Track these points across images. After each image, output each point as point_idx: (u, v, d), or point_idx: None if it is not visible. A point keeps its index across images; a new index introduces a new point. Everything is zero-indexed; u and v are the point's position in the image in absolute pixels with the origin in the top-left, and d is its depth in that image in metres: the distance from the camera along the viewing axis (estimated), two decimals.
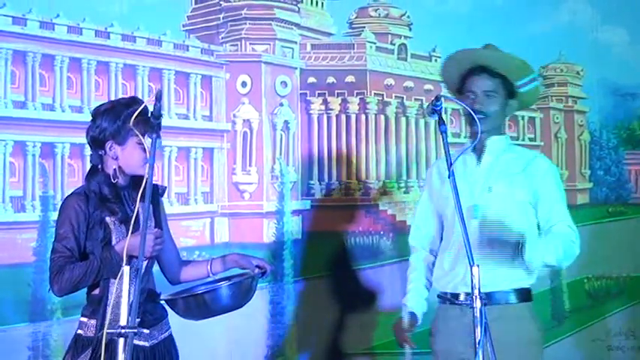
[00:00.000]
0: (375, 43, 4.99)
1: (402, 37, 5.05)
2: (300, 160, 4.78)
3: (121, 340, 2.31)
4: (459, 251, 2.99)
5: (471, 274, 2.49)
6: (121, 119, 2.80)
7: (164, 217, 3.01)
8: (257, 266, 2.97)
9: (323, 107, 4.88)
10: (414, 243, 3.25)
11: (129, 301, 2.34)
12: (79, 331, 2.81)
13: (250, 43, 4.79)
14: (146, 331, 2.60)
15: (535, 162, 3.08)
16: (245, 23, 4.79)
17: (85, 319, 2.81)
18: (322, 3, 4.96)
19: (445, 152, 2.66)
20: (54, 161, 4.32)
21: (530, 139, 5.20)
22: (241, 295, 2.90)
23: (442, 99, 2.74)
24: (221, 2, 4.76)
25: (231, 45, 4.77)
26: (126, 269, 2.38)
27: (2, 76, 4.22)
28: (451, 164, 2.64)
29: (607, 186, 5.10)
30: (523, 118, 5.19)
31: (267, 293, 4.54)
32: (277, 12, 4.84)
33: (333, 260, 4.71)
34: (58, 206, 2.88)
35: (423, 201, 3.25)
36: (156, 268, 2.98)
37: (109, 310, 2.69)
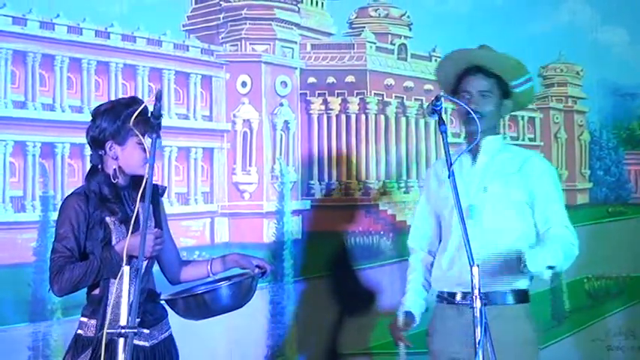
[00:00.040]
0: (375, 43, 4.99)
1: (402, 37, 5.05)
2: (300, 160, 4.78)
3: (121, 340, 2.31)
4: (456, 252, 3.01)
5: (471, 274, 2.49)
6: (120, 119, 2.80)
7: (164, 217, 3.01)
8: (257, 266, 2.98)
9: (323, 107, 4.88)
10: (413, 244, 3.26)
11: (129, 301, 2.34)
12: (79, 331, 2.81)
13: (250, 43, 4.79)
14: (146, 331, 2.61)
15: (531, 161, 3.08)
16: (245, 23, 4.79)
17: (85, 319, 2.81)
18: (322, 3, 4.96)
19: (445, 152, 2.67)
20: (54, 161, 4.32)
21: (530, 139, 5.20)
22: (241, 295, 2.90)
23: (442, 99, 2.75)
24: (221, 2, 4.76)
25: (231, 45, 4.77)
26: (126, 269, 2.38)
27: (2, 76, 4.22)
28: (451, 164, 2.64)
29: (607, 186, 5.10)
30: (523, 118, 5.19)
31: (267, 293, 4.54)
32: (277, 12, 4.84)
33: (333, 260, 4.71)
34: (58, 206, 2.88)
35: (421, 203, 3.27)
36: (156, 268, 2.99)
37: (109, 310, 2.70)
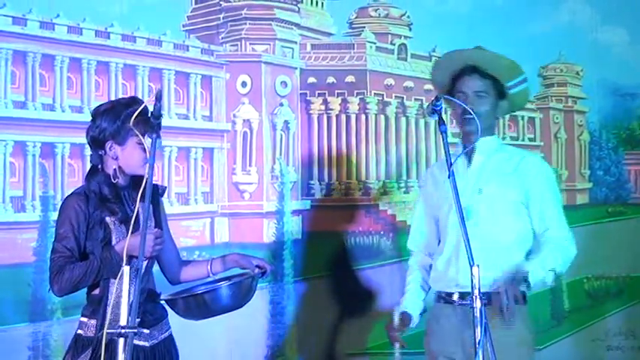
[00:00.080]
0: (375, 43, 4.99)
1: (402, 37, 5.05)
2: (300, 160, 4.78)
3: (121, 340, 2.31)
4: (452, 253, 3.01)
5: (471, 274, 2.50)
6: (120, 119, 2.80)
7: (164, 217, 3.01)
8: (257, 266, 2.98)
9: (323, 107, 4.88)
10: (412, 246, 3.27)
11: (129, 301, 2.34)
12: (79, 331, 2.81)
13: (250, 43, 4.79)
14: (146, 331, 2.61)
15: (526, 161, 3.07)
16: (245, 23, 4.79)
17: (85, 319, 2.81)
18: (322, 3, 4.96)
19: (445, 152, 2.67)
20: (54, 161, 4.33)
21: (530, 139, 5.20)
22: (241, 295, 2.90)
23: (442, 99, 2.75)
24: (221, 2, 4.76)
25: (231, 45, 4.77)
26: (126, 269, 2.38)
27: (2, 76, 4.22)
28: (451, 164, 2.64)
29: (606, 186, 5.10)
30: (523, 118, 5.19)
31: (267, 293, 4.54)
32: (277, 12, 4.84)
33: (333, 260, 4.71)
34: (58, 206, 2.88)
35: (419, 205, 3.28)
36: (156, 268, 2.99)
37: (109, 310, 2.70)
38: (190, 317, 2.91)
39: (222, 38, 4.75)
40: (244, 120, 4.72)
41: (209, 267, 3.04)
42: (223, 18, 4.76)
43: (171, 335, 2.95)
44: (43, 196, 4.27)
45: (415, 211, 3.32)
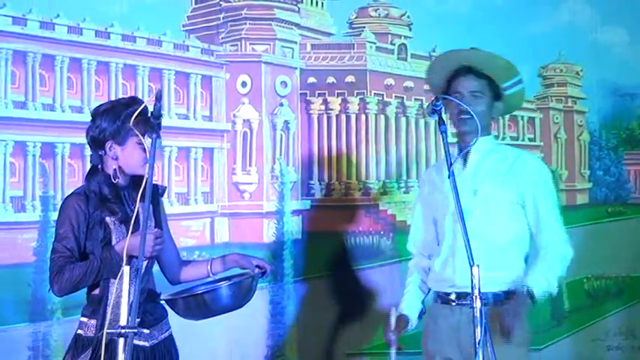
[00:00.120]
0: (375, 43, 4.99)
1: (402, 37, 5.05)
2: (300, 160, 4.78)
3: (121, 340, 2.31)
4: (449, 254, 3.01)
5: (471, 274, 2.50)
6: (120, 119, 2.80)
7: (164, 217, 3.01)
8: (257, 266, 2.98)
9: (323, 107, 4.88)
10: (411, 249, 3.28)
11: (129, 301, 2.34)
12: (79, 331, 2.81)
13: (250, 43, 4.79)
14: (146, 331, 2.61)
15: (520, 161, 3.06)
16: (245, 23, 4.79)
17: (85, 319, 2.81)
18: (322, 3, 4.96)
19: (445, 152, 2.67)
20: (54, 161, 4.33)
21: (530, 139, 5.20)
22: (241, 295, 2.90)
23: (442, 99, 2.75)
24: (221, 2, 4.76)
25: (231, 45, 4.77)
26: (126, 269, 2.38)
27: (2, 76, 4.23)
28: (451, 164, 2.64)
29: (606, 186, 5.10)
30: (523, 118, 5.19)
31: (267, 293, 4.54)
32: (277, 12, 4.84)
33: (333, 260, 4.71)
34: (58, 206, 2.88)
35: (416, 208, 3.29)
36: (156, 268, 2.99)
37: (109, 310, 2.70)
38: (190, 317, 2.91)
39: (222, 38, 4.75)
40: (244, 120, 4.72)
41: (209, 267, 3.04)
42: (223, 18, 4.76)
43: (171, 335, 2.95)
44: (43, 196, 4.27)
45: (414, 213, 3.32)
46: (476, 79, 3.02)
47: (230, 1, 4.78)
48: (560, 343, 4.78)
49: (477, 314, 2.47)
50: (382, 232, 4.78)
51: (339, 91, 4.89)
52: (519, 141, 5.16)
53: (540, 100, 5.17)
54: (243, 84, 4.74)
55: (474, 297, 2.47)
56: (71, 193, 2.86)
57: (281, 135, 4.77)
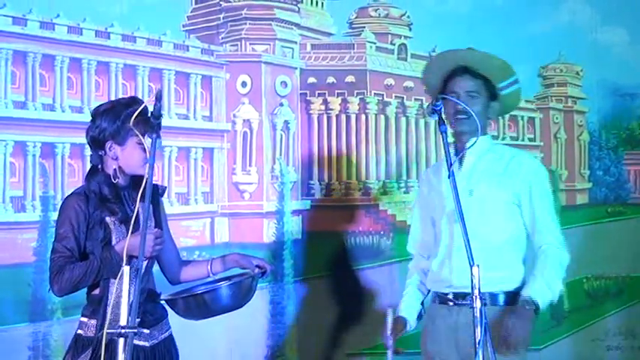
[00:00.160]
0: (375, 43, 4.99)
1: (402, 37, 5.05)
2: (300, 160, 4.79)
3: (121, 340, 2.31)
4: (445, 255, 3.02)
5: (471, 274, 2.50)
6: (120, 119, 2.80)
7: (164, 217, 3.01)
8: (257, 266, 2.98)
9: (323, 107, 4.88)
10: (411, 250, 3.28)
11: (129, 301, 2.34)
12: (79, 331, 2.81)
13: (250, 43, 4.79)
14: (146, 331, 2.61)
15: (516, 160, 3.05)
16: (245, 23, 4.79)
17: (85, 319, 2.82)
18: (322, 3, 4.96)
19: (445, 152, 2.67)
20: (54, 161, 4.33)
21: (530, 139, 5.20)
22: (241, 295, 2.90)
23: (442, 99, 2.76)
24: (221, 2, 4.77)
25: (231, 45, 4.77)
26: (126, 269, 2.38)
27: (3, 76, 4.23)
28: (451, 164, 2.65)
29: (606, 186, 5.10)
30: (523, 118, 5.19)
31: (267, 293, 4.55)
32: (277, 12, 4.84)
33: (333, 260, 4.71)
34: (58, 206, 2.88)
35: (415, 209, 3.30)
36: (156, 268, 2.99)
37: (109, 310, 2.70)
38: (190, 317, 2.91)
39: (222, 38, 4.75)
40: (244, 120, 4.72)
41: (209, 267, 3.04)
42: (223, 18, 4.77)
43: (171, 335, 2.95)
44: (43, 196, 4.27)
45: (413, 215, 3.33)
46: (472, 79, 3.03)
47: (230, 1, 4.78)
48: (559, 343, 4.78)
49: (477, 314, 2.47)
50: (382, 232, 4.78)
51: (339, 91, 4.90)
52: (519, 141, 5.16)
53: (540, 100, 5.17)
54: (243, 84, 4.74)
55: (473, 297, 2.47)
56: (71, 193, 2.86)
57: (281, 135, 4.77)
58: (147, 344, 2.82)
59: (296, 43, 4.87)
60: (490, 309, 2.83)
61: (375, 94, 4.94)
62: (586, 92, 5.14)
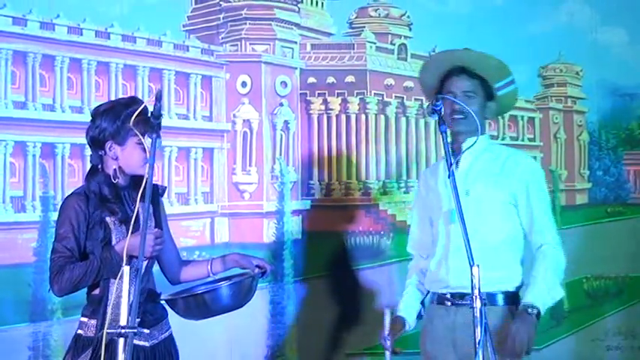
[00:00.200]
0: (375, 43, 4.99)
1: (402, 37, 5.05)
2: (300, 160, 4.79)
3: (121, 340, 2.31)
4: (442, 255, 3.02)
5: (471, 274, 2.50)
6: (120, 119, 2.80)
7: (164, 217, 3.01)
8: (257, 266, 2.98)
9: (323, 107, 4.88)
10: (411, 250, 3.28)
11: (129, 301, 2.34)
12: (80, 331, 2.81)
13: (250, 43, 4.79)
14: (146, 331, 2.60)
15: (511, 160, 3.05)
16: (245, 23, 4.79)
17: (85, 319, 2.82)
18: (322, 3, 4.97)
19: (445, 152, 2.68)
20: (54, 161, 4.33)
21: (530, 140, 5.20)
22: (241, 295, 2.90)
23: (442, 99, 2.76)
24: (221, 2, 4.77)
25: (231, 45, 4.78)
26: (126, 269, 2.38)
27: (3, 76, 4.23)
28: (451, 164, 2.65)
29: (606, 186, 5.11)
30: (522, 118, 5.20)
31: (267, 293, 4.55)
32: (277, 12, 4.85)
33: (333, 260, 4.71)
34: (58, 206, 2.88)
35: (414, 209, 3.30)
36: (156, 268, 2.99)
37: (109, 310, 2.70)
38: (190, 317, 2.91)
39: (222, 38, 4.76)
40: (244, 120, 4.73)
41: (209, 267, 3.04)
42: (223, 18, 4.77)
43: (171, 335, 2.95)
44: (43, 196, 4.27)
45: (412, 215, 3.34)
46: (469, 79, 3.03)
47: (230, 1, 4.78)
48: (559, 343, 4.78)
49: (477, 314, 2.47)
50: (382, 232, 4.78)
51: (339, 91, 4.90)
52: (519, 141, 5.17)
53: (540, 100, 5.18)
54: (243, 84, 4.74)
55: (473, 297, 2.47)
56: (71, 193, 2.86)
57: (281, 135, 4.77)
58: (147, 344, 2.82)
59: (296, 43, 4.88)
60: (489, 309, 2.83)
61: (375, 94, 4.94)
62: (586, 92, 5.14)
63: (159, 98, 2.54)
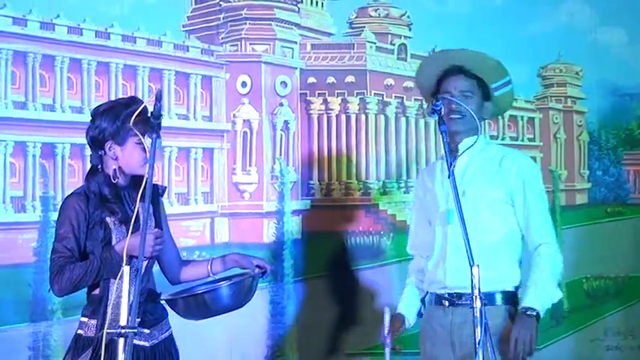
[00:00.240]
0: (375, 43, 4.99)
1: (402, 37, 5.05)
2: (300, 160, 4.79)
3: (121, 340, 2.31)
4: (439, 256, 3.02)
5: (471, 274, 2.50)
6: (120, 119, 2.80)
7: (164, 217, 3.01)
8: (257, 266, 2.98)
9: (323, 107, 4.88)
10: (411, 251, 3.29)
11: (129, 301, 2.34)
12: (80, 331, 2.82)
13: (250, 43, 4.79)
14: (146, 331, 2.60)
15: (507, 159, 3.05)
16: (245, 23, 4.79)
17: (85, 319, 2.82)
18: (322, 3, 4.97)
19: (445, 152, 2.68)
20: (54, 161, 4.33)
21: (530, 140, 5.21)
22: (241, 295, 2.90)
23: (442, 99, 2.76)
24: (221, 2, 4.77)
25: (231, 45, 4.78)
26: (126, 269, 2.38)
27: (3, 76, 4.23)
28: (451, 164, 2.65)
29: (605, 186, 5.11)
30: (522, 118, 5.20)
31: (267, 293, 4.55)
32: (277, 12, 4.85)
33: (333, 260, 4.72)
34: (58, 206, 2.88)
35: (413, 210, 3.31)
36: (156, 268, 2.99)
37: (109, 310, 2.70)
38: (190, 317, 2.92)
39: (222, 38, 4.76)
40: (244, 120, 4.73)
41: (209, 267, 3.04)
42: (223, 18, 4.77)
43: (171, 335, 2.95)
44: (43, 196, 4.27)
45: (411, 216, 3.34)
46: (466, 79, 3.03)
47: (230, 1, 4.78)
48: (559, 343, 4.79)
49: (477, 314, 2.47)
50: (382, 232, 4.79)
51: (339, 91, 4.90)
52: (519, 141, 5.17)
53: (540, 100, 5.18)
54: (243, 84, 4.74)
55: (473, 297, 2.47)
56: (71, 193, 2.86)
57: (281, 135, 4.77)
58: (147, 344, 2.82)
59: (296, 43, 4.88)
60: (488, 309, 2.83)
61: (375, 94, 4.94)
62: (585, 92, 5.15)
63: (159, 98, 2.54)
